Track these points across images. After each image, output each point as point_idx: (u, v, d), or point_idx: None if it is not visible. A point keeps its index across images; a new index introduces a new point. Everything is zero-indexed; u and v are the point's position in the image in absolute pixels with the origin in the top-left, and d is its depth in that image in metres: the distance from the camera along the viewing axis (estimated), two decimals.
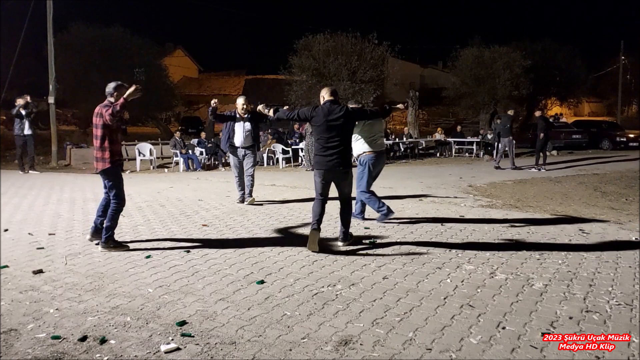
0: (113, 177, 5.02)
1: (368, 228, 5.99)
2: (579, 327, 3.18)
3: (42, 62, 17.68)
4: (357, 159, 6.45)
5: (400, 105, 6.13)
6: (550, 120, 16.30)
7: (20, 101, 12.73)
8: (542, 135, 13.53)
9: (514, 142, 14.10)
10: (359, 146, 6.30)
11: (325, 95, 5.24)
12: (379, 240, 5.39)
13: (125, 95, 4.72)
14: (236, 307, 3.54)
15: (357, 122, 5.73)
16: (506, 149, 14.35)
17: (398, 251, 4.96)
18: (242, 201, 7.74)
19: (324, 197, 5.23)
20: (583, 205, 7.98)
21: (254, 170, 7.76)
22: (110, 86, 4.98)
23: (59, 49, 18.80)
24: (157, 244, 5.29)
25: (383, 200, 6.33)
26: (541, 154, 13.75)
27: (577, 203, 8.22)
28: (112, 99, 4.92)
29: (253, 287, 3.97)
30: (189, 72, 45.43)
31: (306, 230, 5.90)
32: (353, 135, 6.24)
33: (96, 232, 5.24)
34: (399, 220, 6.41)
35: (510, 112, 14.43)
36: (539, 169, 13.47)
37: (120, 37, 23.98)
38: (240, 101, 7.76)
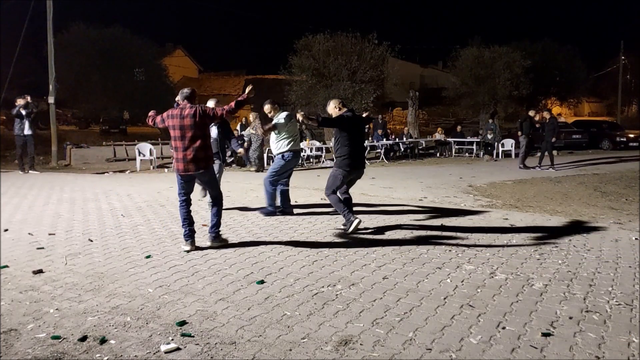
0: (212, 174, 5.24)
1: (367, 228, 5.99)
2: (579, 327, 3.18)
3: (42, 62, 17.69)
4: (276, 155, 6.69)
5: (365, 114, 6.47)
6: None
7: (20, 101, 12.71)
8: (554, 138, 13.63)
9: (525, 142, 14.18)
10: (284, 143, 6.55)
11: (339, 106, 5.83)
12: (379, 241, 5.39)
13: (247, 92, 5.00)
14: (236, 307, 3.54)
15: (286, 123, 6.45)
16: (521, 147, 14.42)
17: (398, 251, 4.96)
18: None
19: (337, 191, 5.78)
20: (583, 205, 7.98)
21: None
22: (187, 91, 5.11)
23: (59, 49, 18.84)
24: (157, 244, 5.29)
25: (277, 202, 6.72)
26: (545, 154, 13.82)
27: (577, 203, 8.22)
28: (189, 103, 5.01)
29: (253, 287, 3.97)
30: (189, 72, 45.49)
31: (306, 230, 5.91)
32: (275, 135, 6.63)
33: (194, 240, 5.13)
34: (399, 221, 6.42)
35: (531, 113, 14.48)
36: (539, 168, 13.52)
37: (120, 37, 24.02)
38: (210, 104, 6.84)
